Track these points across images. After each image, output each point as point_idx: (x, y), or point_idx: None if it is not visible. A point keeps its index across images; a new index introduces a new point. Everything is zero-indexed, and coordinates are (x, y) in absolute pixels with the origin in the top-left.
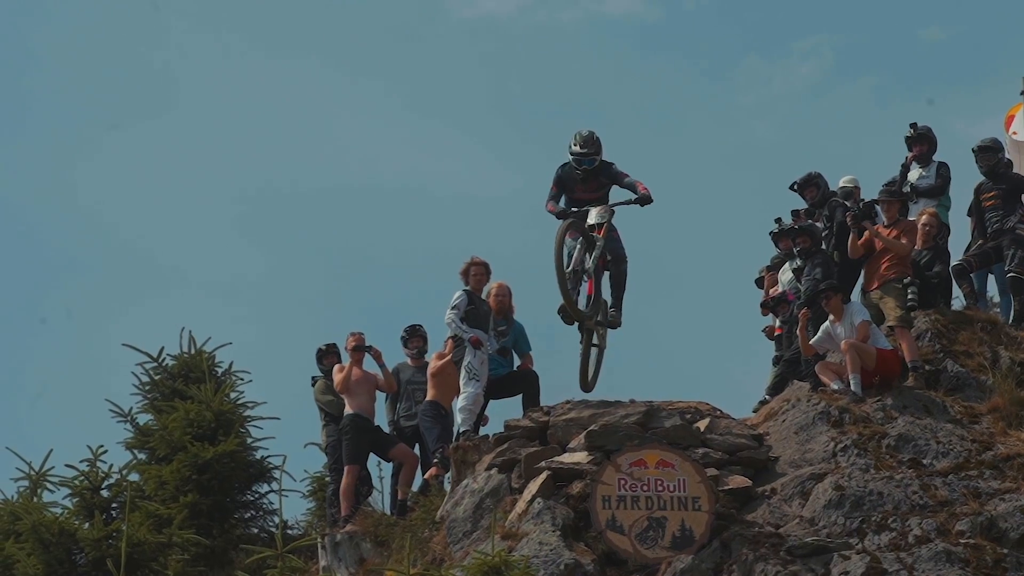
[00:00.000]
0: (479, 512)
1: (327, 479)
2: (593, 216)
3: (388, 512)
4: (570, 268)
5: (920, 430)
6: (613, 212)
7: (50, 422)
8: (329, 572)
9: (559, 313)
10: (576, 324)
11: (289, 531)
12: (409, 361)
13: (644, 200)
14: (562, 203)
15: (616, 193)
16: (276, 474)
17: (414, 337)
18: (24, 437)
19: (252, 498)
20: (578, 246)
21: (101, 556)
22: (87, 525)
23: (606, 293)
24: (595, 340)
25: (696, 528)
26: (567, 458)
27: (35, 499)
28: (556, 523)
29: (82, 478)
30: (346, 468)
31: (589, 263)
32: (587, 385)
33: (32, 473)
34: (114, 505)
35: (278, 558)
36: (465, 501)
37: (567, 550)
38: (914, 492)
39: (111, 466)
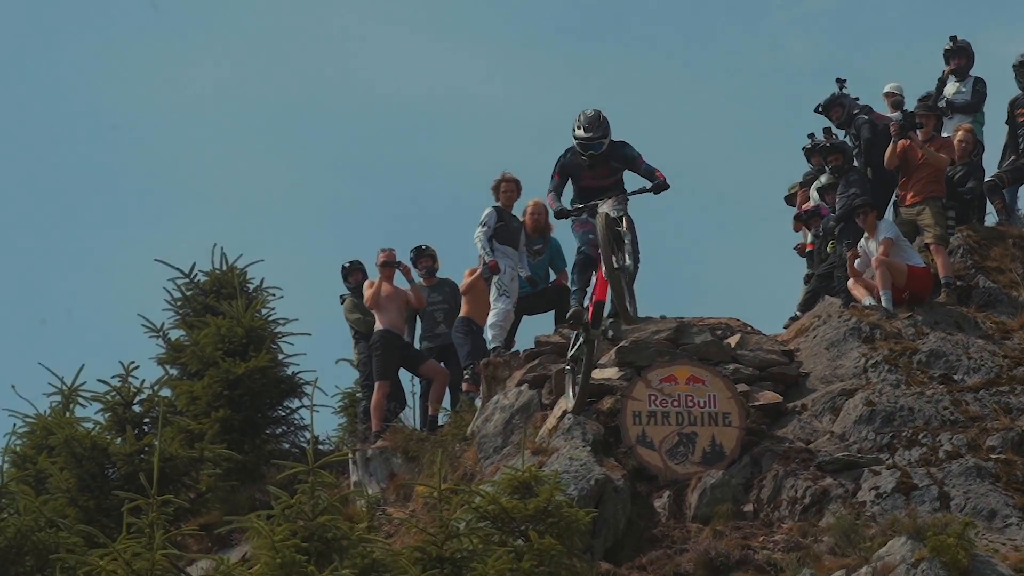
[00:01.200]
0: (509, 428)
1: (358, 395)
2: (608, 208)
3: (418, 428)
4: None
5: (951, 346)
6: (628, 200)
7: (82, 337)
8: (360, 487)
9: (568, 319)
10: (576, 336)
11: (320, 446)
12: (422, 282)
13: (659, 187)
14: (569, 195)
15: (630, 180)
16: (307, 390)
17: (422, 257)
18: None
19: (283, 414)
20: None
21: (133, 470)
22: (119, 440)
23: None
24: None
25: (726, 444)
26: (597, 374)
27: (67, 414)
28: (586, 439)
29: (114, 393)
30: (376, 384)
31: (627, 260)
32: (580, 407)
33: (64, 388)
34: (146, 420)
35: (309, 473)
36: (495, 417)
37: (597, 466)
38: (945, 408)
39: (143, 381)
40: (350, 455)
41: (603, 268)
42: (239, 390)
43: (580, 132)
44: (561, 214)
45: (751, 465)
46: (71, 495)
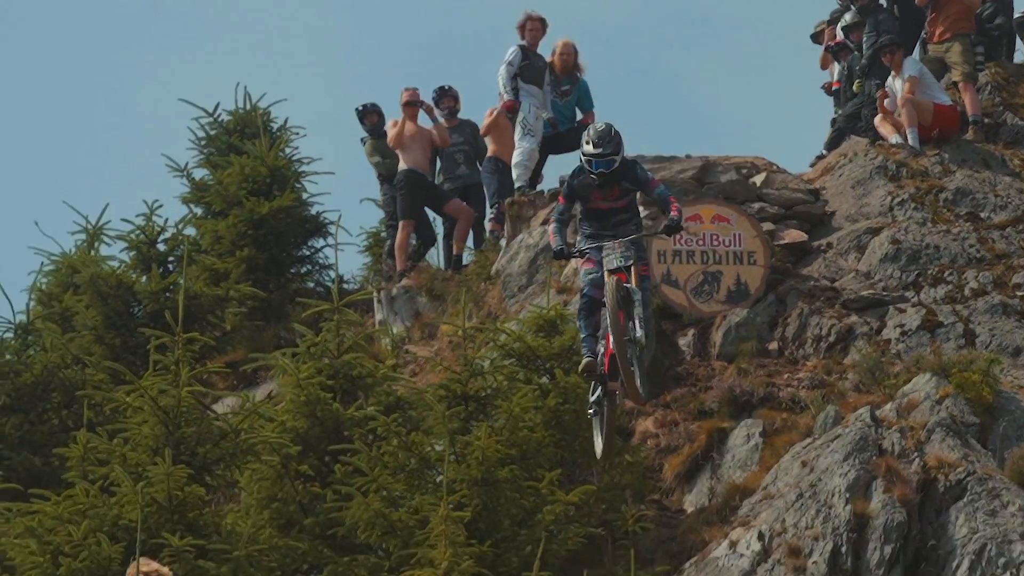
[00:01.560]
0: (534, 267)
1: (383, 235)
2: (613, 258)
3: (443, 267)
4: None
5: (978, 184)
6: (638, 243)
7: (106, 176)
8: (385, 326)
9: (582, 373)
10: (595, 388)
11: (345, 285)
12: (443, 122)
13: (672, 229)
14: (572, 227)
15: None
16: (332, 229)
17: (445, 97)
18: (80, 191)
19: (308, 253)
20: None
21: (159, 309)
22: (144, 278)
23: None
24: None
25: (751, 282)
26: None
27: (92, 252)
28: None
29: (138, 232)
30: (401, 223)
31: (639, 331)
32: (608, 453)
33: (89, 227)
34: (170, 259)
35: (334, 312)
36: (520, 256)
37: None
38: (971, 245)
39: (167, 220)
40: (375, 294)
41: (610, 339)
42: (263, 229)
43: (589, 148)
44: (560, 255)
45: (776, 303)
46: (97, 333)
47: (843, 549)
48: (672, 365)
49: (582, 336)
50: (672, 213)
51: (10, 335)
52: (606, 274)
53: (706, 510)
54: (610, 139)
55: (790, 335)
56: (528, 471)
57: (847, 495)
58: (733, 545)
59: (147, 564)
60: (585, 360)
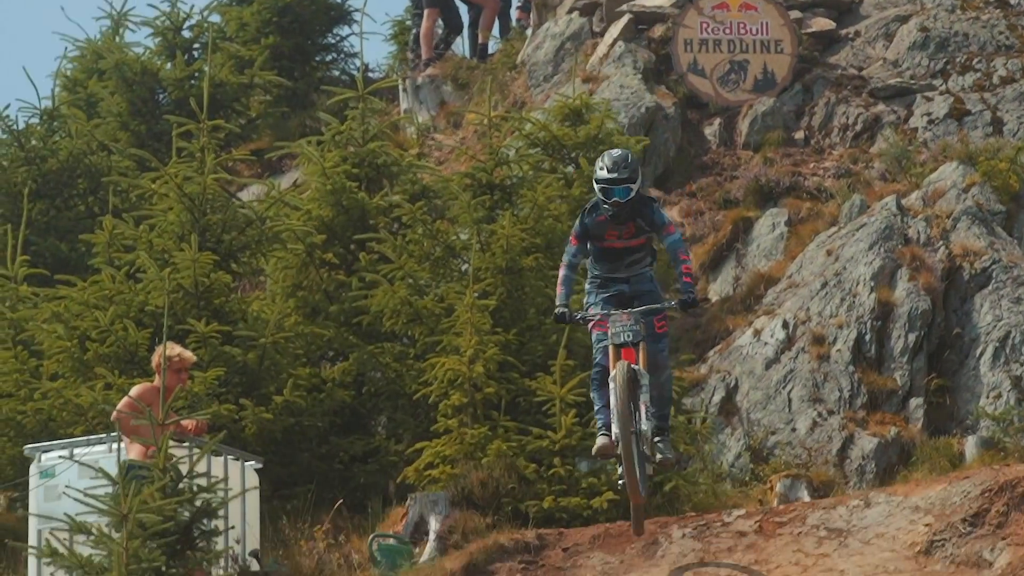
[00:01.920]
0: (560, 56)
1: (408, 23)
2: (621, 332)
3: (468, 56)
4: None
5: None
6: (650, 314)
7: None
8: (410, 114)
9: (596, 456)
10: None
11: (370, 74)
12: None
13: (688, 304)
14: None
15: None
16: (357, 16)
17: None
18: None
19: (333, 41)
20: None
21: (184, 96)
22: (169, 65)
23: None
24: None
25: (778, 71)
26: (649, 1)
27: (117, 39)
28: (637, 66)
29: (163, 18)
30: (426, 11)
31: (644, 424)
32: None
33: (113, 13)
34: (195, 46)
35: (359, 100)
36: (546, 45)
37: (648, 93)
38: (1000, 32)
39: (192, 7)
40: (400, 83)
41: (615, 425)
42: (288, 17)
43: (603, 172)
44: (561, 319)
45: (803, 92)
46: (122, 119)
47: (867, 337)
48: (698, 154)
49: (596, 408)
50: (684, 280)
51: (36, 121)
52: (611, 348)
53: (731, 299)
54: (626, 165)
55: (816, 124)
56: (553, 260)
57: (872, 283)
58: (757, 333)
59: (173, 349)
60: (599, 443)
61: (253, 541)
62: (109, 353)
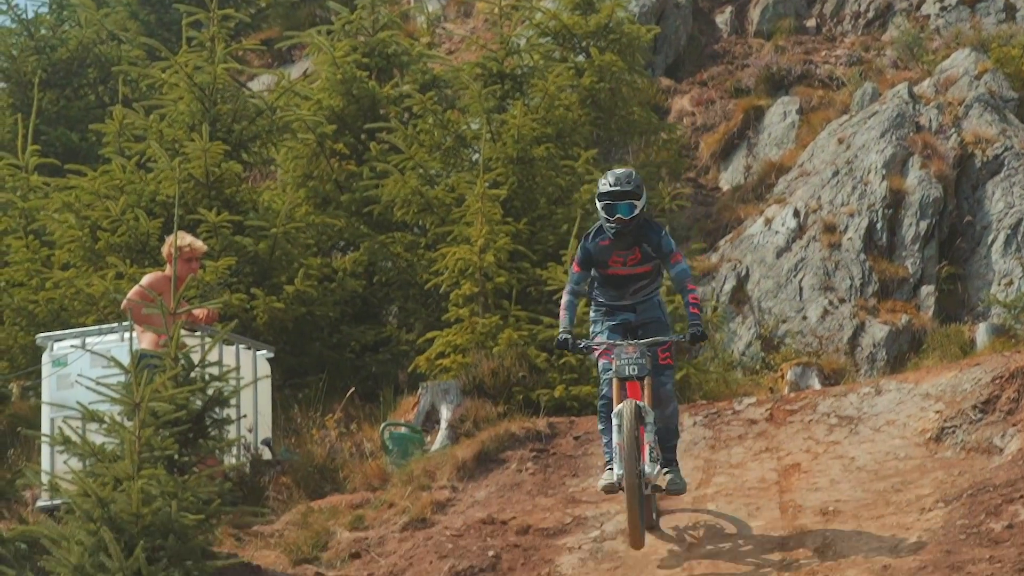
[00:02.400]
0: None
1: None
2: (626, 366)
3: None
4: (619, 471)
5: None
6: (651, 348)
7: None
8: (421, 4)
9: (603, 491)
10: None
11: None
12: None
13: (697, 338)
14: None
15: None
16: None
17: None
18: None
19: None
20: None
21: None
22: None
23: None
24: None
25: None
26: None
27: None
28: None
29: None
30: None
31: (647, 466)
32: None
33: None
34: None
35: None
36: None
37: None
38: None
39: None
40: None
41: (618, 468)
42: None
43: (605, 186)
44: (564, 346)
45: None
46: (131, 8)
47: (878, 225)
48: (709, 43)
49: (603, 442)
50: (691, 311)
51: (45, 10)
52: (616, 382)
53: (742, 187)
54: (629, 180)
55: (828, 12)
56: (564, 150)
57: (883, 171)
58: (768, 222)
59: (184, 239)
60: (604, 482)
61: (265, 430)
62: (120, 243)
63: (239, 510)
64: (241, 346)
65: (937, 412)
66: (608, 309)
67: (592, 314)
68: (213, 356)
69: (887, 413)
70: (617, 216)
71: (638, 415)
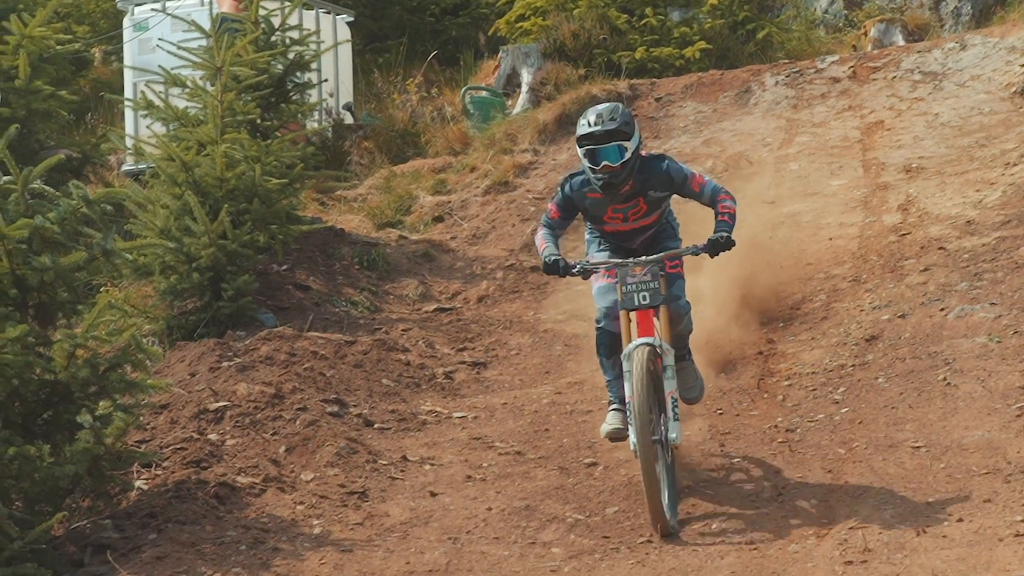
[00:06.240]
0: None
1: None
2: (635, 293)
3: None
4: (634, 438)
5: None
6: (663, 265)
7: None
8: None
9: (605, 437)
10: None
11: None
12: None
13: (719, 245)
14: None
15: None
16: None
17: None
18: None
19: None
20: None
21: None
22: None
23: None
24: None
25: None
26: None
27: None
28: None
29: None
30: None
31: (673, 432)
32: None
33: None
34: None
35: None
36: None
37: None
38: None
39: None
40: None
41: (632, 433)
42: None
43: (585, 127)
44: (553, 269)
45: None
46: None
47: None
48: None
49: (606, 380)
50: (721, 218)
51: None
52: (623, 314)
53: None
54: (615, 116)
55: None
56: None
57: None
58: None
59: None
60: (610, 424)
61: (346, 94)
62: None
63: (322, 174)
64: (321, 10)
65: (1022, 66)
66: (611, 248)
67: (588, 236)
68: (293, 20)
69: (972, 68)
70: (604, 163)
71: (653, 359)
